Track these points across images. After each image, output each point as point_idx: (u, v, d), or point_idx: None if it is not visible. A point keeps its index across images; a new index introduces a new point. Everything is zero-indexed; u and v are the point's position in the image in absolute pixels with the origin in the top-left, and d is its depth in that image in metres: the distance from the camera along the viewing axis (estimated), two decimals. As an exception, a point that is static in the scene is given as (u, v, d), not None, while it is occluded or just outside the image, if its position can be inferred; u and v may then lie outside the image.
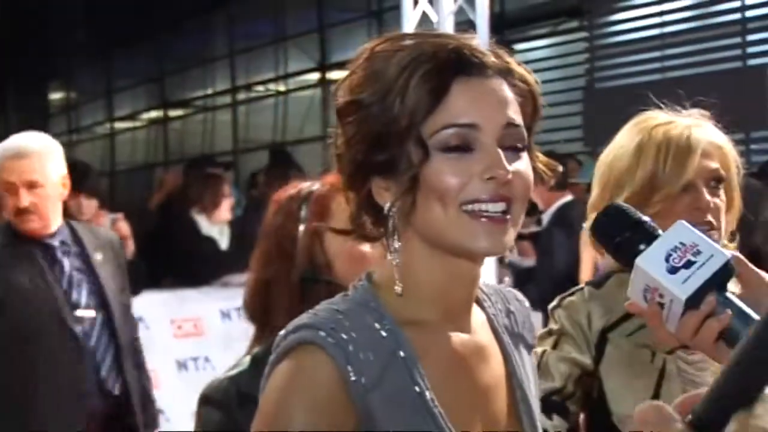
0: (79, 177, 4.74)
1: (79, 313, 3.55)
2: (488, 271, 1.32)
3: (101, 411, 3.56)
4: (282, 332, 1.33)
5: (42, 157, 3.52)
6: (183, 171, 8.29)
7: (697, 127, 2.07)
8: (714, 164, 2.05)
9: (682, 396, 1.08)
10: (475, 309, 1.44)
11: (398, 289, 1.35)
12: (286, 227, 2.09)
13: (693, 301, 1.31)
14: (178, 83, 17.23)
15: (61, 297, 3.52)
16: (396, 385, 1.30)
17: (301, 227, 2.08)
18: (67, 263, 3.60)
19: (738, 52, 9.23)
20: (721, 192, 2.06)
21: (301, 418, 1.25)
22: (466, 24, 5.15)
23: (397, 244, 1.35)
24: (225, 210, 6.39)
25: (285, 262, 2.08)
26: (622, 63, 10.08)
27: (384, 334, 1.32)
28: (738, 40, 9.18)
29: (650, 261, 1.32)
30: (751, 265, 1.38)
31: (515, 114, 1.34)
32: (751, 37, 9.11)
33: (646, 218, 1.37)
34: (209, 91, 16.65)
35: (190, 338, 5.70)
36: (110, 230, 4.39)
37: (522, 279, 6.26)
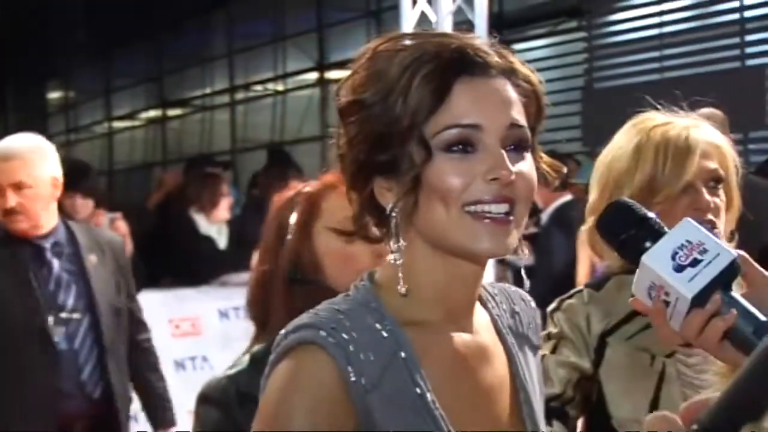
0: (75, 177, 4.73)
1: (64, 315, 3.55)
2: (487, 271, 1.32)
3: (82, 413, 3.57)
4: (282, 332, 1.32)
5: (30, 158, 3.53)
6: (183, 171, 8.30)
7: (696, 127, 2.06)
8: (713, 164, 2.04)
9: (686, 402, 1.07)
10: (479, 309, 1.43)
11: (402, 289, 1.34)
12: (279, 227, 2.10)
13: (699, 300, 1.30)
14: (177, 83, 17.23)
15: (42, 299, 3.53)
16: (396, 386, 1.30)
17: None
18: (56, 264, 3.60)
19: (737, 52, 9.22)
20: (721, 192, 2.05)
21: (301, 419, 1.25)
22: (464, 24, 5.15)
23: (399, 245, 1.34)
24: (223, 209, 6.39)
25: (276, 261, 2.08)
26: (621, 63, 10.08)
27: (385, 334, 1.31)
28: (737, 40, 9.18)
29: (656, 258, 1.31)
30: (756, 265, 1.38)
31: (519, 114, 1.33)
32: (749, 38, 9.11)
33: (651, 215, 1.36)
34: (208, 91, 16.65)
35: (188, 338, 5.70)
36: (112, 231, 4.38)
37: (519, 278, 6.25)
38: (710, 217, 2.00)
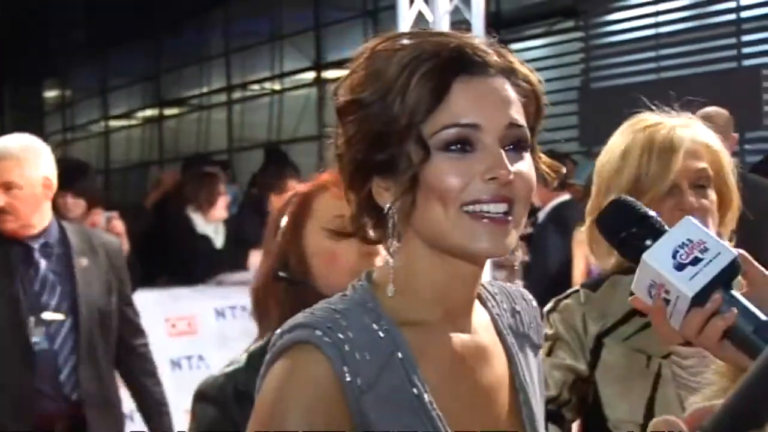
0: (68, 176, 4.72)
1: (46, 315, 3.55)
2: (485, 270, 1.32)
3: (60, 413, 3.56)
4: (278, 331, 1.32)
5: (22, 158, 3.52)
6: (180, 170, 8.29)
7: (684, 127, 2.04)
8: (700, 164, 2.02)
9: (692, 408, 1.07)
10: (479, 309, 1.42)
11: (390, 291, 1.33)
12: (277, 228, 2.10)
13: (699, 299, 1.30)
14: (174, 82, 17.22)
15: (25, 299, 3.53)
16: (393, 386, 1.29)
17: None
18: (44, 265, 3.59)
19: (733, 52, 9.24)
20: (710, 192, 2.03)
21: (297, 418, 1.24)
22: (461, 24, 5.15)
23: (396, 245, 1.33)
24: (220, 208, 6.39)
25: (269, 261, 2.09)
26: (618, 63, 10.09)
27: (382, 334, 1.31)
28: (733, 40, 9.19)
29: (657, 257, 1.31)
30: (757, 264, 1.38)
31: (518, 114, 1.32)
32: (745, 38, 9.13)
33: (652, 213, 1.36)
34: (205, 90, 16.64)
35: (184, 337, 5.69)
36: (109, 234, 4.36)
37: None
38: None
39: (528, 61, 1.39)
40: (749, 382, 1.01)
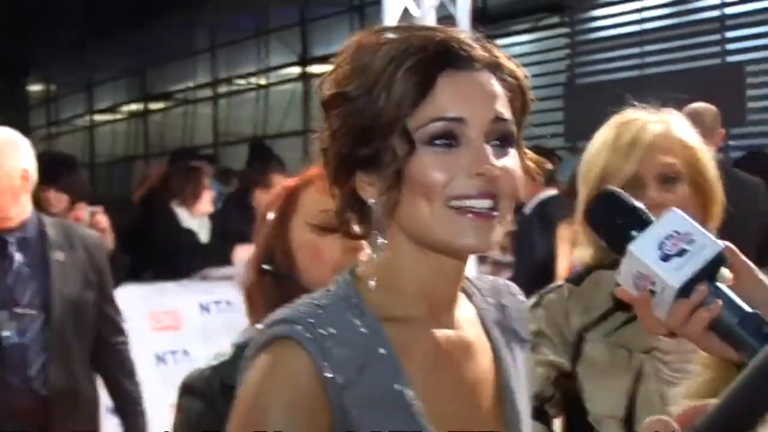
0: (51, 171, 4.69)
1: (18, 309, 3.53)
2: (469, 266, 1.31)
3: (30, 408, 3.54)
4: (260, 326, 1.32)
5: None
6: (167, 164, 8.27)
7: (657, 123, 2.03)
8: (668, 159, 2.01)
9: (684, 407, 1.07)
10: (465, 304, 1.42)
11: (371, 284, 1.33)
12: (263, 222, 2.11)
13: (685, 290, 1.30)
14: (159, 76, 17.18)
15: None
16: (375, 382, 1.28)
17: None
18: (18, 259, 3.57)
19: (717, 49, 9.28)
20: (680, 187, 2.02)
21: (278, 413, 1.24)
22: (447, 19, 5.16)
23: (380, 241, 1.33)
24: (206, 202, 6.37)
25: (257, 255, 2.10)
26: (603, 59, 10.12)
27: (364, 330, 1.30)
28: (717, 37, 9.23)
29: (643, 248, 1.30)
30: (743, 257, 1.38)
31: (503, 108, 1.32)
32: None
33: (639, 204, 1.36)
34: (190, 84, 16.61)
35: (169, 331, 5.67)
36: (90, 229, 4.32)
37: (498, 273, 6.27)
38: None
39: (513, 56, 1.40)
40: (743, 383, 1.01)
